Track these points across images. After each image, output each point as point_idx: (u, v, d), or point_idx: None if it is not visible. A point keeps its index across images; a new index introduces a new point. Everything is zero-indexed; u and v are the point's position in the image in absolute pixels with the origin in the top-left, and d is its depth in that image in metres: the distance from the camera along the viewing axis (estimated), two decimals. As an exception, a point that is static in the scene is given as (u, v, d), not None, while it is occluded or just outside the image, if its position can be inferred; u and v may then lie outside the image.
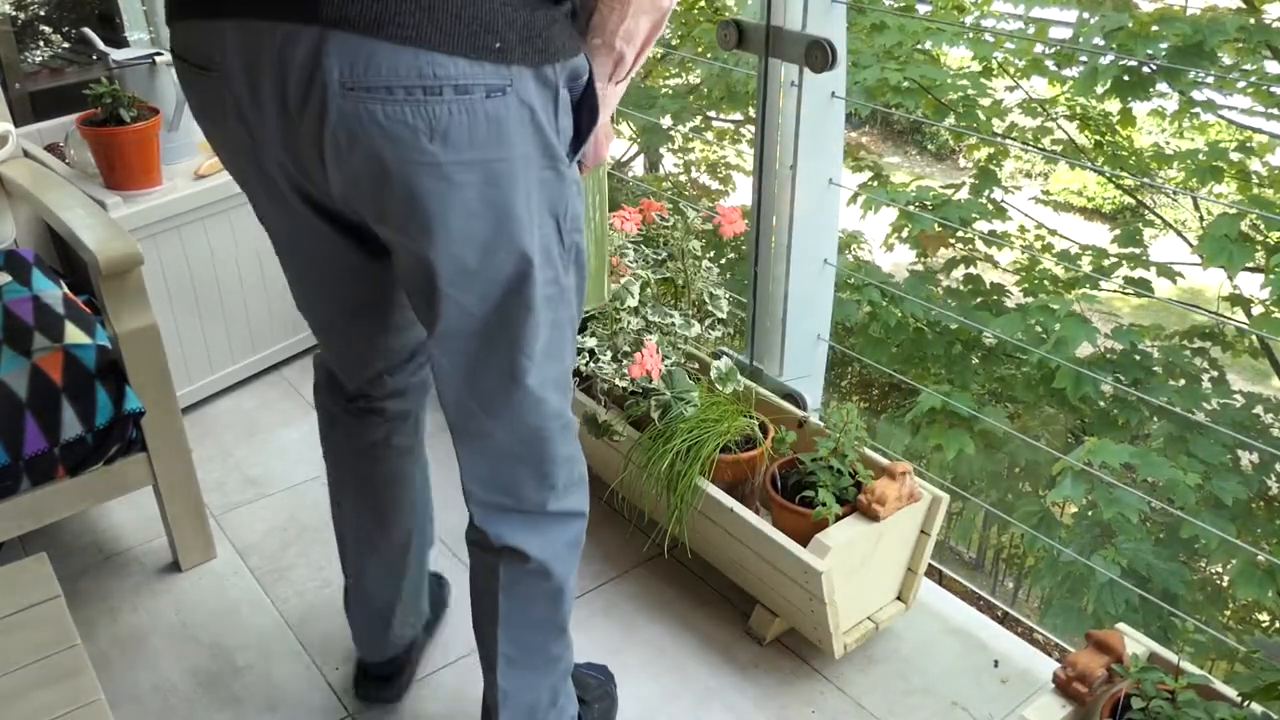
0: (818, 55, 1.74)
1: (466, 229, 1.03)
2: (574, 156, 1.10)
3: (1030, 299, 4.18)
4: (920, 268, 4.66)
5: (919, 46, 4.63)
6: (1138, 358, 4.01)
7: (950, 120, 4.66)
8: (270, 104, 1.01)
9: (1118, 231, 4.38)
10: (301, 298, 1.36)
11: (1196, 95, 4.07)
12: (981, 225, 4.36)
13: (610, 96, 1.15)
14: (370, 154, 0.99)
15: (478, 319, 1.11)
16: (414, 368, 1.49)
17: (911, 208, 4.29)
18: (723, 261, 4.81)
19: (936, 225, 4.31)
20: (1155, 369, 4.04)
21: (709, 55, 5.08)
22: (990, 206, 4.33)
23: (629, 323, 1.90)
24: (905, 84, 4.24)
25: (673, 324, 1.90)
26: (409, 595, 1.65)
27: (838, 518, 1.68)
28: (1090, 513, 3.71)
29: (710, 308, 1.98)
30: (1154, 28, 3.71)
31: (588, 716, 1.58)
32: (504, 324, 1.11)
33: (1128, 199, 5.72)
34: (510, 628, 1.36)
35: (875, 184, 4.85)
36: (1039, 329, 3.86)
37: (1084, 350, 3.99)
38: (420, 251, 1.06)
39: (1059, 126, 4.76)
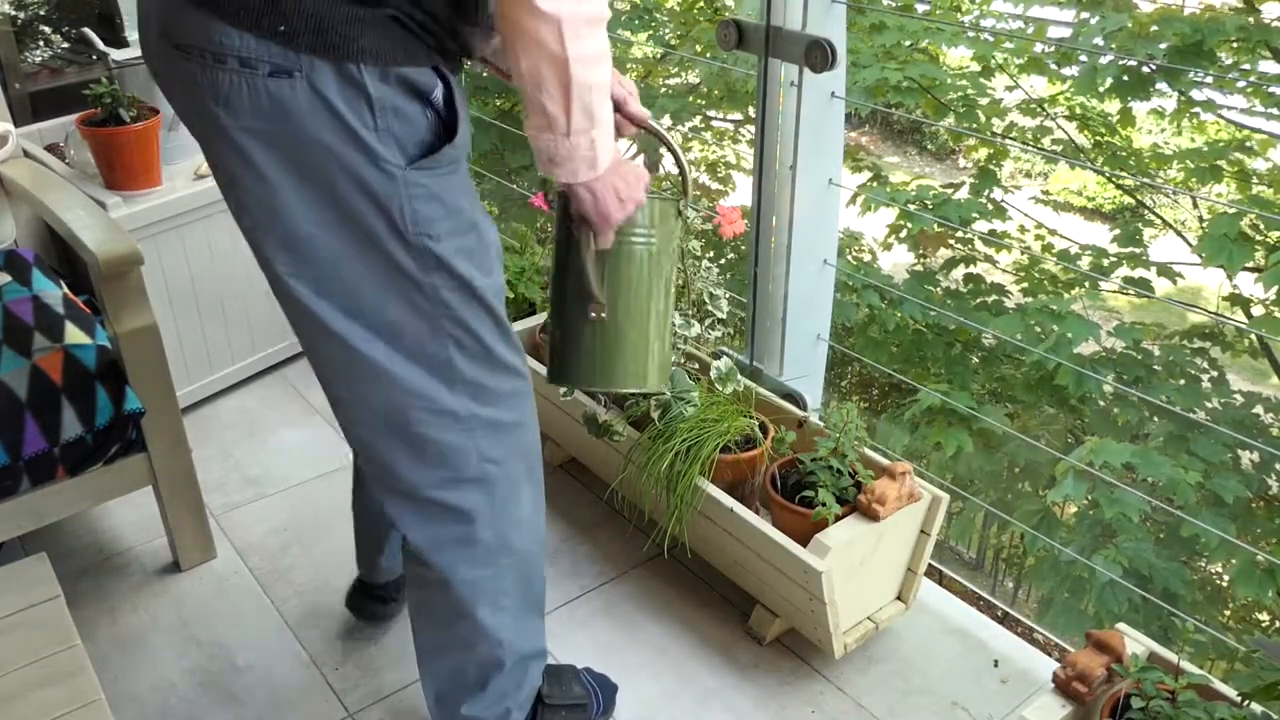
0: (818, 55, 1.74)
1: (258, 191, 1.12)
2: (418, 161, 1.12)
3: (1030, 299, 4.18)
4: (920, 268, 4.66)
5: (918, 46, 4.63)
6: (1138, 356, 4.02)
7: (950, 120, 4.66)
8: (147, 50, 1.18)
9: (1117, 231, 4.39)
10: None
11: (1196, 95, 4.07)
12: (981, 225, 4.36)
13: (566, 152, 1.14)
14: (179, 103, 1.13)
15: (295, 272, 1.16)
16: None
17: (911, 207, 4.29)
18: (723, 261, 4.81)
19: (936, 226, 4.31)
20: (1156, 368, 4.04)
21: (709, 55, 5.08)
22: (990, 206, 4.33)
23: (629, 323, 1.90)
24: (905, 83, 4.24)
25: (673, 324, 1.90)
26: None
27: (838, 518, 1.68)
28: (1091, 512, 3.71)
29: (710, 308, 1.98)
30: (1153, 28, 3.71)
31: (549, 717, 1.56)
32: (319, 279, 1.16)
33: (1128, 199, 5.72)
34: (412, 602, 1.46)
35: (875, 184, 4.85)
36: (1038, 329, 3.86)
37: (1086, 348, 3.99)
38: (233, 207, 1.17)
39: (1059, 126, 4.76)
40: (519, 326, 2.20)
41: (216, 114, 1.08)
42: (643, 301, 1.35)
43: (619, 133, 1.34)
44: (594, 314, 1.32)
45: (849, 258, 4.82)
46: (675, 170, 1.42)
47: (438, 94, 1.12)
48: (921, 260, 4.77)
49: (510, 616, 1.42)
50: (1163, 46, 3.69)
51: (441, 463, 1.29)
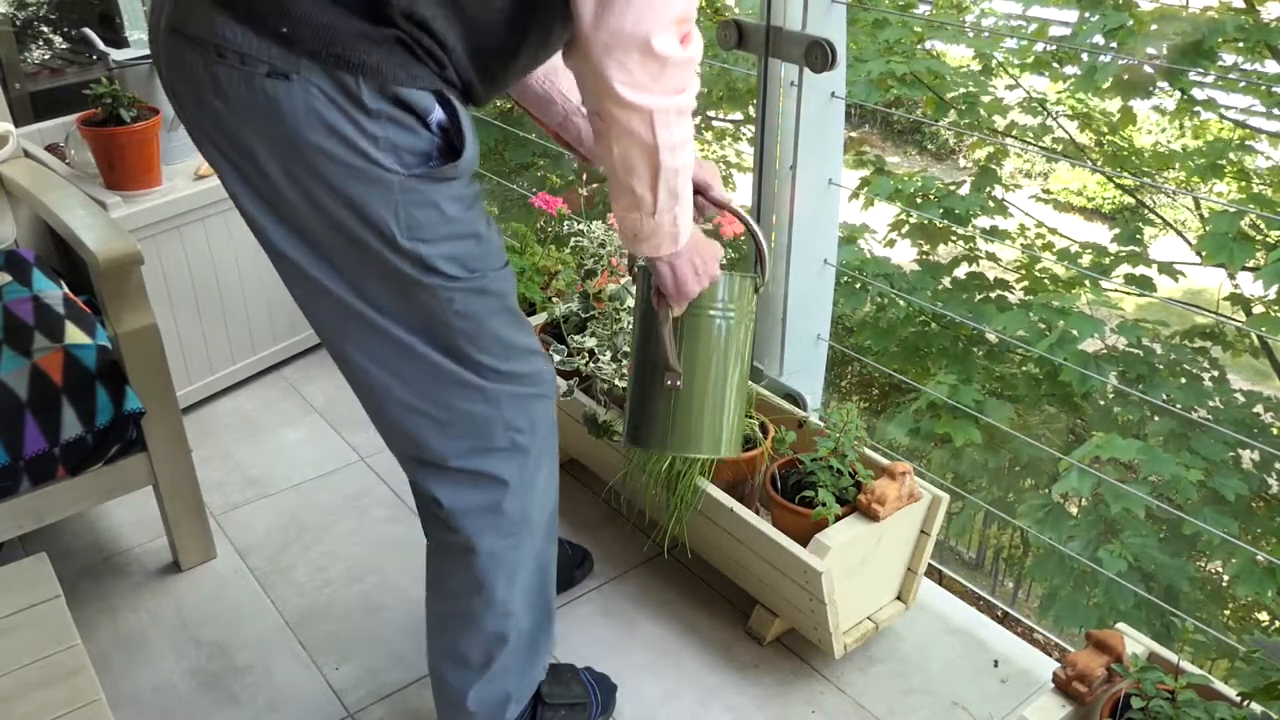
0: (818, 55, 1.74)
1: (260, 185, 1.13)
2: (418, 169, 1.12)
3: (1031, 297, 4.19)
4: (923, 263, 4.66)
5: (922, 45, 4.63)
6: (1140, 354, 4.02)
7: (951, 118, 4.66)
8: (157, 52, 1.18)
9: (1117, 231, 4.39)
10: None
11: (1197, 94, 4.07)
12: (982, 221, 4.36)
13: (650, 229, 1.21)
14: (181, 94, 1.13)
15: (305, 255, 1.18)
16: None
17: (916, 200, 4.28)
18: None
19: (937, 222, 4.31)
20: (1158, 366, 4.04)
21: (709, 54, 5.08)
22: (991, 204, 4.34)
23: (629, 323, 1.90)
24: (909, 78, 4.25)
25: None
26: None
27: (838, 518, 1.68)
28: (1097, 508, 3.72)
29: (710, 307, 1.97)
30: (1153, 26, 3.72)
31: (549, 716, 1.57)
32: (330, 262, 1.18)
33: (1128, 199, 5.73)
34: (431, 573, 1.44)
35: (878, 176, 4.83)
36: (1042, 325, 3.86)
37: (1090, 345, 3.99)
38: (235, 196, 1.17)
39: (1059, 125, 4.76)
40: (519, 326, 2.19)
41: (216, 107, 1.09)
42: (718, 372, 1.42)
43: (701, 215, 1.43)
44: (670, 383, 1.39)
45: (857, 246, 4.77)
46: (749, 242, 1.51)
47: (436, 116, 1.12)
48: (924, 255, 4.77)
49: (521, 591, 1.43)
50: (1165, 46, 3.69)
51: (467, 433, 1.30)
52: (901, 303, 4.28)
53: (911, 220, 4.51)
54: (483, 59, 1.14)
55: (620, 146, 1.12)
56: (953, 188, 4.41)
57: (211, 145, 1.15)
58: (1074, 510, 4.09)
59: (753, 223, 1.47)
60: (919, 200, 4.29)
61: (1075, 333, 3.72)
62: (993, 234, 4.39)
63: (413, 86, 1.08)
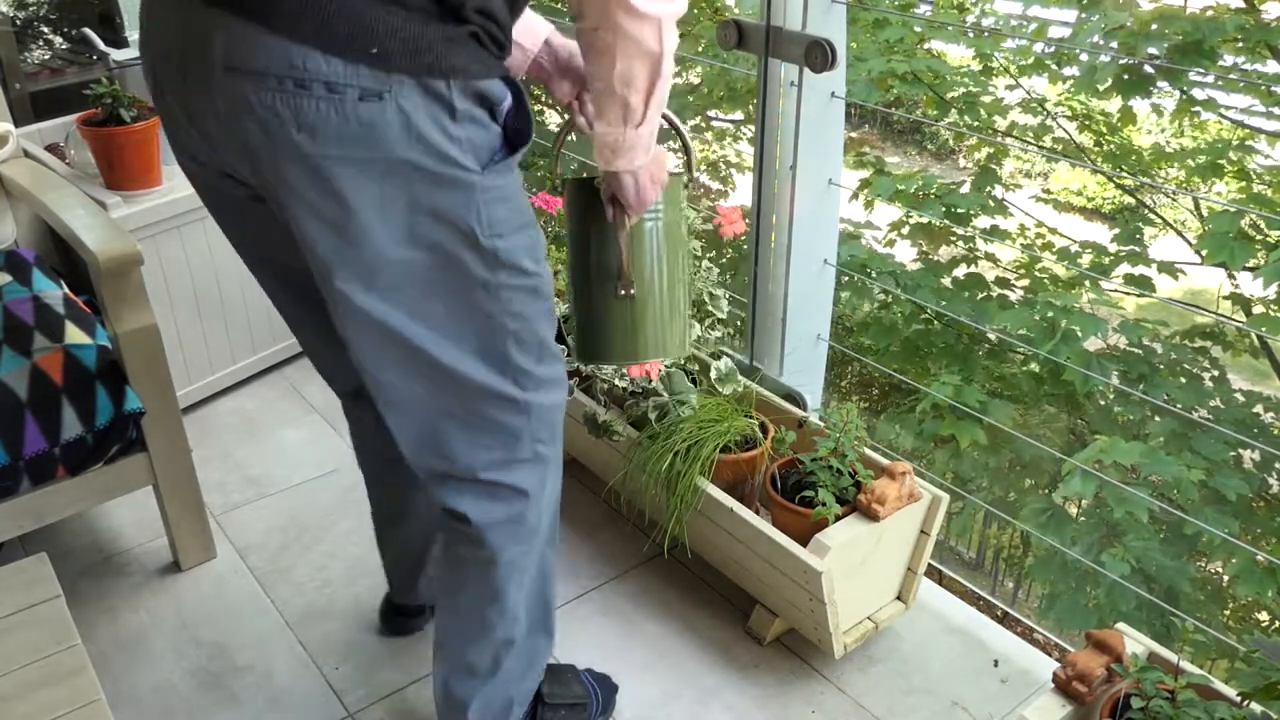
0: (818, 55, 1.74)
1: (336, 217, 1.08)
2: (491, 165, 1.12)
3: (1032, 296, 4.19)
4: (923, 263, 4.66)
5: (922, 43, 4.64)
6: (1140, 353, 4.02)
7: (951, 118, 4.66)
8: (177, 78, 1.11)
9: (1118, 230, 4.39)
10: (272, 299, 1.44)
11: (1197, 94, 4.07)
12: (982, 221, 4.36)
13: (631, 141, 1.22)
14: (244, 133, 1.06)
15: (366, 288, 1.14)
16: None
17: (918, 197, 4.28)
18: (723, 261, 4.81)
19: (936, 223, 4.31)
20: (1159, 365, 4.04)
21: (709, 54, 5.08)
22: (991, 204, 4.34)
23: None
24: (909, 76, 4.24)
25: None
26: (439, 559, 1.67)
27: (838, 518, 1.68)
28: (1098, 510, 3.72)
29: (710, 308, 1.98)
30: (1153, 26, 3.72)
31: (549, 716, 1.57)
32: (390, 291, 1.15)
33: (1128, 199, 5.73)
34: (445, 584, 1.44)
35: (880, 176, 4.84)
36: (1045, 324, 3.86)
37: (1092, 344, 4.00)
38: (298, 231, 1.12)
39: (1059, 125, 4.76)
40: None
41: (297, 142, 1.04)
42: (665, 273, 1.43)
43: None
44: (624, 292, 1.40)
45: (861, 242, 4.76)
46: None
47: (507, 103, 1.13)
48: (924, 254, 4.77)
49: (525, 594, 1.43)
50: (1165, 46, 3.69)
51: (498, 444, 1.30)
52: (904, 298, 4.28)
53: (912, 220, 4.51)
54: (515, 18, 1.14)
55: (625, 59, 1.13)
56: (953, 187, 4.41)
57: (287, 189, 1.08)
58: (1074, 511, 4.09)
59: (677, 121, 1.50)
60: (920, 198, 4.28)
61: (1078, 331, 3.73)
62: (993, 234, 4.39)
63: (487, 77, 1.09)
